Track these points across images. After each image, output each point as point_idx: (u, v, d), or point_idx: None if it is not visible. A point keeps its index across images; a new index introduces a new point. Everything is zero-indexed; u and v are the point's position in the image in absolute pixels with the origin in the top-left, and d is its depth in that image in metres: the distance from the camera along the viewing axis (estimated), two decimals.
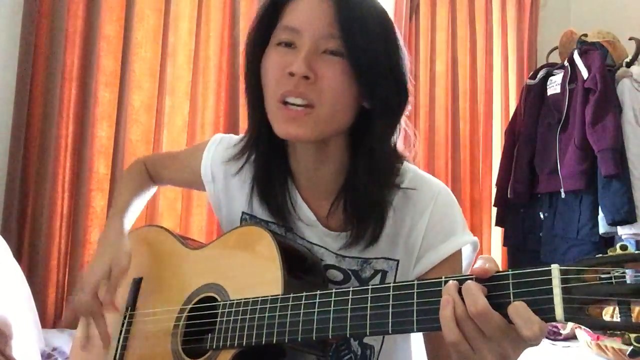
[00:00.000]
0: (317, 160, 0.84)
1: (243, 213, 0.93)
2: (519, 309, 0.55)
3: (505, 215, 2.84)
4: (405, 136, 0.87)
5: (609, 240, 2.40)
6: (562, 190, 2.51)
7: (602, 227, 2.34)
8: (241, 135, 0.92)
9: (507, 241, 2.85)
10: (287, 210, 0.86)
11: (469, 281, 0.58)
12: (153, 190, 1.11)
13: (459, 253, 0.84)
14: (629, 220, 2.24)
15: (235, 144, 0.91)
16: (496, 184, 2.88)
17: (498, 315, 0.56)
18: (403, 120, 0.84)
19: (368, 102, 0.78)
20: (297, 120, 0.75)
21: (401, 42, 0.81)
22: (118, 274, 0.87)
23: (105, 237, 0.93)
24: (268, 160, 0.85)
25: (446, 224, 0.84)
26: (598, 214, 2.36)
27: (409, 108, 0.83)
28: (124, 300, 0.96)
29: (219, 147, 0.97)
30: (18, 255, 1.85)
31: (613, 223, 2.28)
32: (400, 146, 0.87)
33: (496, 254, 3.01)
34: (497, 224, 2.89)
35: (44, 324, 1.88)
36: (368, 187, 0.80)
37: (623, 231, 2.29)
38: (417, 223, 0.83)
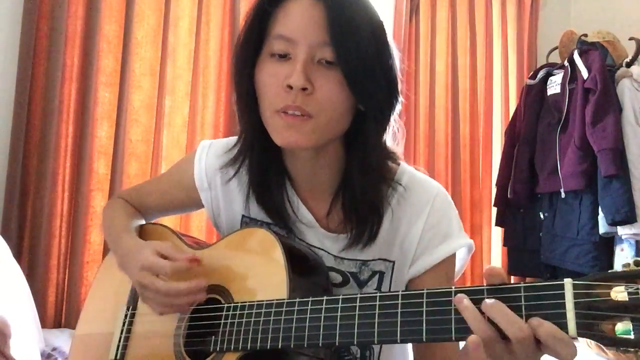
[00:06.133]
0: (315, 163, 0.84)
1: (243, 216, 0.92)
2: (553, 332, 0.53)
3: (505, 215, 2.83)
4: (406, 136, 0.87)
5: (609, 240, 2.40)
6: (562, 190, 2.51)
7: (602, 227, 2.34)
8: (231, 138, 0.91)
9: (507, 241, 2.85)
10: (286, 213, 0.86)
11: (493, 301, 0.57)
12: (142, 221, 1.03)
13: (453, 256, 0.84)
14: (629, 220, 2.24)
15: (229, 149, 0.89)
16: (496, 184, 2.88)
17: (534, 340, 0.55)
18: (392, 117, 0.84)
19: (362, 105, 0.78)
20: (295, 127, 0.74)
21: (390, 39, 0.80)
22: (171, 251, 0.82)
23: (126, 252, 0.87)
24: (264, 164, 0.85)
25: (443, 226, 0.84)
26: (598, 214, 2.36)
27: (399, 107, 0.83)
28: (125, 298, 0.95)
29: (210, 153, 0.95)
30: (18, 255, 1.85)
31: (613, 223, 2.27)
32: (395, 145, 0.87)
33: (496, 254, 3.01)
34: (497, 224, 2.89)
35: (44, 324, 1.88)
36: (363, 186, 0.80)
37: (623, 231, 2.29)
38: (414, 224, 0.83)
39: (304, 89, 0.73)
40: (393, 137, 0.87)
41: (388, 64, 0.79)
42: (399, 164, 0.87)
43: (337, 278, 0.85)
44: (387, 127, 0.83)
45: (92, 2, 2.07)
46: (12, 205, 1.93)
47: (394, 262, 0.85)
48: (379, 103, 0.78)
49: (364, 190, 0.80)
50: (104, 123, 2.11)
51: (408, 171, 0.87)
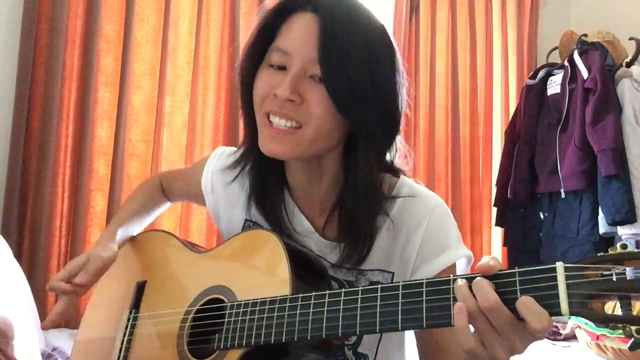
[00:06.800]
0: (311, 175, 0.85)
1: (246, 220, 0.94)
2: (527, 303, 0.57)
3: (505, 215, 2.84)
4: (406, 136, 0.87)
5: (609, 240, 2.40)
6: (562, 190, 2.51)
7: (602, 227, 2.34)
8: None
9: (507, 241, 2.85)
10: (282, 220, 0.88)
11: (479, 278, 0.60)
12: (166, 205, 1.14)
13: (453, 267, 0.85)
14: (629, 220, 2.25)
15: (233, 153, 0.93)
16: (496, 184, 2.88)
17: (508, 310, 0.58)
18: (399, 140, 0.85)
19: (352, 126, 0.79)
20: (279, 139, 0.77)
21: (398, 65, 0.81)
22: (95, 260, 0.89)
23: (96, 241, 0.96)
24: (263, 171, 0.87)
25: (441, 237, 0.84)
26: (598, 214, 2.36)
27: (399, 136, 0.83)
28: (127, 302, 0.96)
29: (220, 160, 0.99)
30: (18, 255, 1.85)
31: (613, 223, 2.28)
32: (399, 162, 0.88)
33: (496, 254, 3.01)
34: (497, 224, 2.89)
35: None
36: (357, 208, 0.81)
37: (623, 231, 2.29)
38: (413, 236, 0.84)
39: (292, 101, 0.75)
40: (404, 161, 0.88)
41: (385, 91, 0.78)
42: (398, 177, 0.88)
43: (333, 286, 0.86)
44: (382, 153, 0.83)
45: (92, 2, 2.07)
46: (12, 205, 1.93)
47: (393, 274, 0.85)
48: (369, 127, 0.78)
49: (357, 212, 0.81)
50: (104, 123, 2.11)
51: (407, 183, 0.88)
